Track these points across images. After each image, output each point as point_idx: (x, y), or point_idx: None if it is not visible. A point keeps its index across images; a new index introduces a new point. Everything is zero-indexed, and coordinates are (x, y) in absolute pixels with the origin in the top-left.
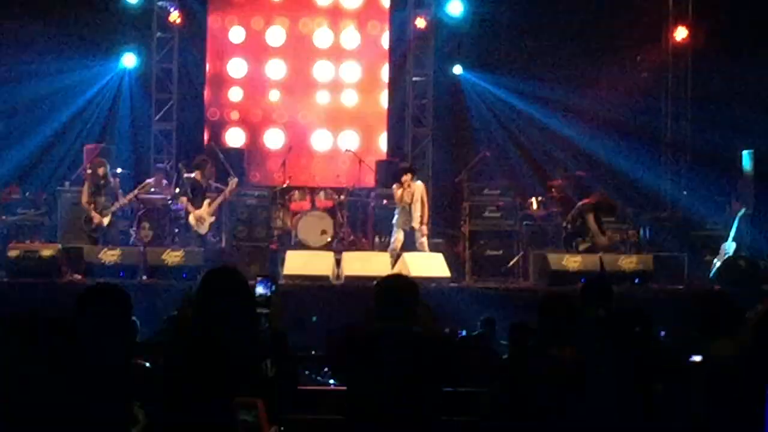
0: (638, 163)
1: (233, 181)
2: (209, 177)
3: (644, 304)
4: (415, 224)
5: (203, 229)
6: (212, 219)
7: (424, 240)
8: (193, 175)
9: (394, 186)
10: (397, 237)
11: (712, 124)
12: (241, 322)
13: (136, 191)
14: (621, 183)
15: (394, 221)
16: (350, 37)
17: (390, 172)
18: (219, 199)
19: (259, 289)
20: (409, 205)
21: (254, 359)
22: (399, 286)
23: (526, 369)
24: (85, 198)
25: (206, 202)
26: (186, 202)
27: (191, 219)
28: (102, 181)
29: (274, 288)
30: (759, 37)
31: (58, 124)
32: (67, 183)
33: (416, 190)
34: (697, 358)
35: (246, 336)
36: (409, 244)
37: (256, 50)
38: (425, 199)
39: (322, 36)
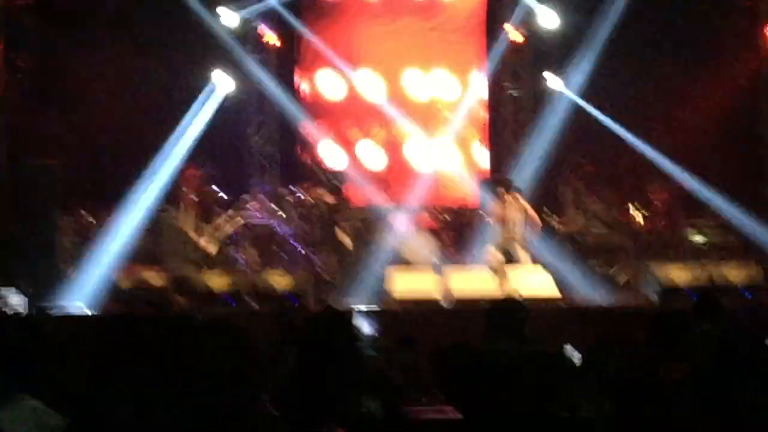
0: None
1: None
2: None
3: (756, 317)
4: (514, 237)
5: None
6: None
7: (524, 256)
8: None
9: (494, 203)
10: (492, 252)
11: None
12: (346, 366)
13: (239, 219)
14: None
15: (489, 237)
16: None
17: (491, 188)
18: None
19: (364, 328)
20: (507, 220)
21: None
22: (510, 311)
23: (638, 388)
24: (191, 225)
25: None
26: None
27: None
28: (209, 209)
29: (378, 328)
30: None
31: (156, 146)
32: (170, 208)
33: (512, 203)
34: None
35: (350, 376)
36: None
37: (350, 65)
38: (530, 210)
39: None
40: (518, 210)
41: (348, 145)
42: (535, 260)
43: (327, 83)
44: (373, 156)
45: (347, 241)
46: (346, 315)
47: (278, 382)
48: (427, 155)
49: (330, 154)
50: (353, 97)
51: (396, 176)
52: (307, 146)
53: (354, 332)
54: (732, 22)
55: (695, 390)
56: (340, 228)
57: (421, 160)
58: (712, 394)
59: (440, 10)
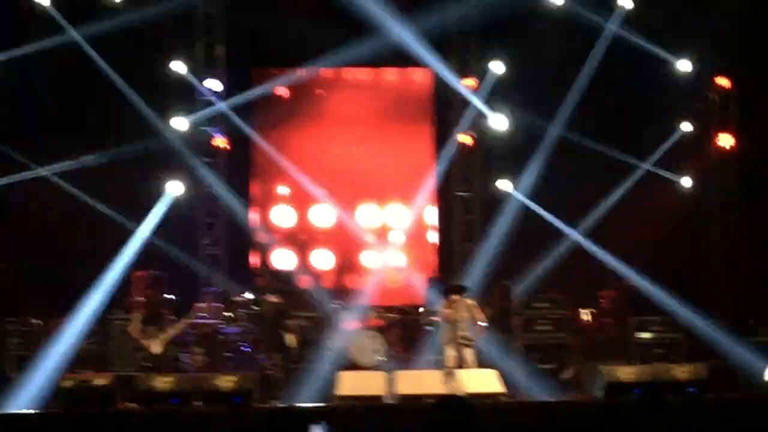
0: (687, 268)
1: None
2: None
3: (699, 413)
4: (461, 341)
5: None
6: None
7: (471, 357)
8: (248, 295)
9: (442, 303)
10: (448, 354)
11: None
12: None
13: (187, 321)
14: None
15: (441, 339)
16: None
17: (440, 289)
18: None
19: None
20: (457, 322)
21: None
22: (453, 408)
23: None
24: (136, 328)
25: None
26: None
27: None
28: (154, 312)
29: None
30: None
31: (106, 251)
32: (118, 311)
33: (462, 307)
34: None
35: None
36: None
37: (301, 167)
38: (478, 315)
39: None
40: (466, 311)
41: (298, 245)
42: (480, 359)
43: (279, 188)
44: (322, 256)
45: (292, 342)
46: (302, 417)
47: None
48: (376, 256)
49: (280, 255)
50: (303, 196)
51: (345, 276)
52: (257, 248)
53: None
54: (681, 124)
55: None
56: (285, 328)
57: (370, 261)
58: None
59: (387, 113)
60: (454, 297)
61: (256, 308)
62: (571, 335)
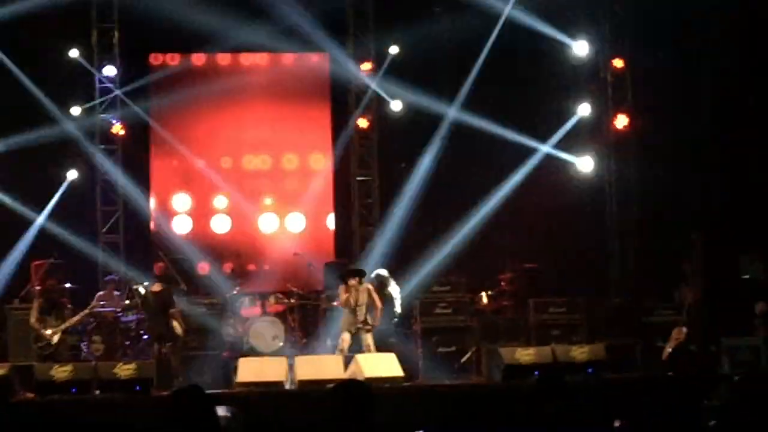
0: (587, 249)
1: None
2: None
3: (598, 393)
4: (360, 325)
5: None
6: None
7: (371, 341)
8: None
9: (340, 288)
10: (344, 338)
11: (658, 207)
12: None
13: (86, 311)
14: (570, 271)
15: (340, 323)
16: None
17: (338, 272)
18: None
19: (221, 412)
20: (355, 307)
21: None
22: (352, 392)
23: None
24: (34, 317)
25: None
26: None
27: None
28: (52, 300)
29: (233, 410)
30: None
31: (3, 240)
32: (16, 300)
33: (362, 292)
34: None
35: None
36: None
37: (199, 153)
38: (376, 300)
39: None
40: (364, 295)
41: (197, 231)
42: (379, 342)
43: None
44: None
45: (178, 330)
46: (208, 397)
47: None
48: (276, 240)
49: (178, 244)
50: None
51: (244, 262)
52: (155, 235)
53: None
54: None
55: None
56: (174, 316)
57: (270, 245)
58: None
59: (285, 98)
60: (352, 282)
61: (138, 298)
62: (471, 318)
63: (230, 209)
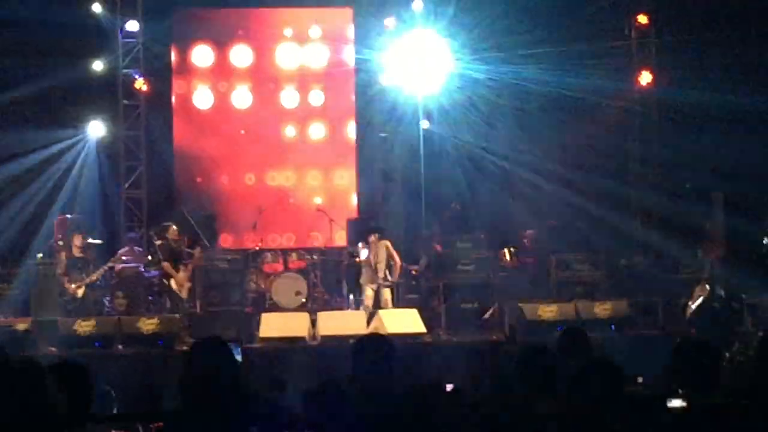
0: (608, 207)
1: (197, 251)
2: (181, 242)
3: (621, 350)
4: (381, 281)
5: (184, 294)
6: (189, 284)
7: (389, 297)
8: (162, 241)
9: (360, 245)
10: (367, 294)
11: (681, 166)
12: (230, 391)
13: (109, 264)
14: (593, 228)
15: (361, 280)
16: (316, 97)
17: (360, 229)
18: (189, 268)
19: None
20: (376, 263)
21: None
22: (374, 346)
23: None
24: (60, 271)
25: (182, 267)
26: (169, 268)
27: (173, 283)
28: (77, 255)
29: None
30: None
31: (26, 195)
32: (39, 255)
33: (381, 248)
34: (677, 403)
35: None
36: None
37: (221, 114)
38: (395, 256)
39: (288, 97)
40: (383, 251)
41: (218, 188)
42: (400, 299)
43: (200, 129)
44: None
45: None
46: (227, 344)
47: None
48: (297, 195)
49: (200, 198)
50: (225, 141)
51: (266, 217)
52: (178, 190)
53: (236, 361)
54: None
55: (564, 426)
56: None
57: (293, 201)
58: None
59: (308, 60)
60: (372, 238)
61: (158, 240)
62: (493, 275)
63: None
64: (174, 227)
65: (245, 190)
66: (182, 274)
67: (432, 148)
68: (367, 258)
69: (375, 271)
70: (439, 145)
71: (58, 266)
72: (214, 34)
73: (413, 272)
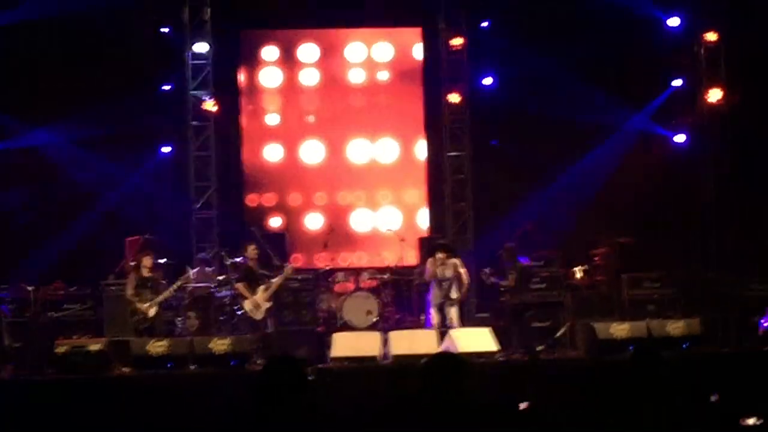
0: (682, 224)
1: (289, 268)
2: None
3: (694, 368)
4: (449, 300)
5: (259, 315)
6: (269, 305)
7: (455, 315)
8: (238, 260)
9: (428, 262)
10: (434, 314)
11: (754, 181)
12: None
13: (179, 283)
14: (665, 246)
15: (429, 298)
16: (385, 116)
17: (429, 248)
18: (275, 285)
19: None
20: (443, 281)
21: None
22: (446, 365)
23: None
24: (129, 291)
25: (261, 287)
26: (243, 288)
27: (247, 305)
28: (147, 275)
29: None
30: None
31: (97, 215)
32: (111, 276)
33: (449, 267)
34: (751, 421)
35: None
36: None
37: (291, 133)
38: (462, 275)
39: (357, 114)
40: (450, 269)
41: (288, 209)
42: (469, 318)
43: (269, 151)
44: (313, 219)
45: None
46: (300, 364)
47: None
48: (367, 218)
49: (272, 218)
50: (294, 161)
51: (337, 238)
52: (249, 211)
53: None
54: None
55: None
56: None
57: (361, 223)
58: None
59: (377, 79)
60: (440, 255)
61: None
62: (564, 293)
63: (325, 204)
64: (253, 246)
65: (316, 209)
66: (261, 295)
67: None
68: (433, 275)
69: (441, 288)
70: (507, 164)
71: (128, 287)
72: (281, 53)
73: (501, 288)
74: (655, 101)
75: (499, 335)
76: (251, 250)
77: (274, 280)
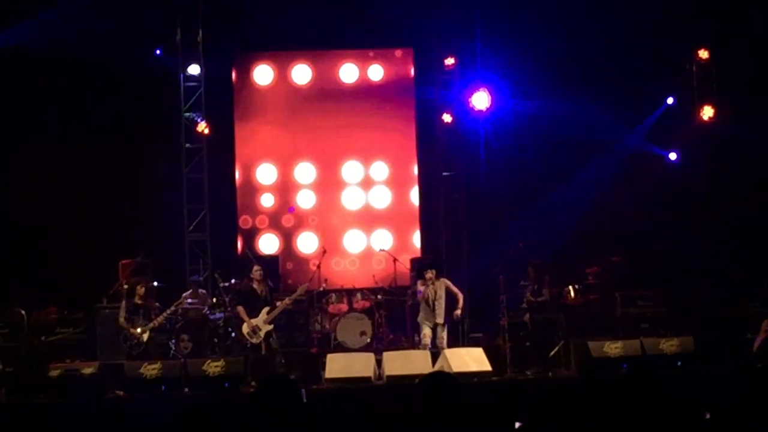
0: (674, 242)
1: (303, 287)
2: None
3: (688, 386)
4: (438, 320)
5: (256, 339)
6: (269, 328)
7: (444, 336)
8: (232, 282)
9: (418, 283)
10: (425, 333)
11: (746, 198)
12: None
13: (172, 308)
14: (658, 264)
15: (419, 318)
16: (377, 138)
17: (419, 268)
18: (282, 306)
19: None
20: (433, 301)
21: None
22: (440, 385)
23: None
24: (122, 316)
25: (264, 309)
26: (242, 312)
27: (244, 328)
28: (139, 302)
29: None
30: None
31: (91, 238)
32: (104, 300)
33: (439, 286)
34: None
35: None
36: (451, 341)
37: (284, 154)
38: (457, 292)
39: (348, 137)
40: (441, 289)
41: (282, 230)
42: (464, 338)
43: (262, 172)
44: (306, 241)
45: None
46: (294, 383)
47: None
48: (360, 238)
49: (265, 240)
50: (287, 182)
51: (329, 259)
52: (242, 233)
53: (302, 399)
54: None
55: None
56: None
57: (354, 244)
58: None
59: (370, 100)
60: (429, 275)
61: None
62: (558, 312)
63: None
64: (258, 267)
65: (307, 231)
66: (262, 317)
67: (492, 186)
68: (424, 296)
69: (432, 308)
70: (499, 183)
71: (120, 313)
72: (275, 75)
73: (536, 303)
74: (648, 119)
75: (493, 355)
76: (256, 272)
77: (280, 302)
